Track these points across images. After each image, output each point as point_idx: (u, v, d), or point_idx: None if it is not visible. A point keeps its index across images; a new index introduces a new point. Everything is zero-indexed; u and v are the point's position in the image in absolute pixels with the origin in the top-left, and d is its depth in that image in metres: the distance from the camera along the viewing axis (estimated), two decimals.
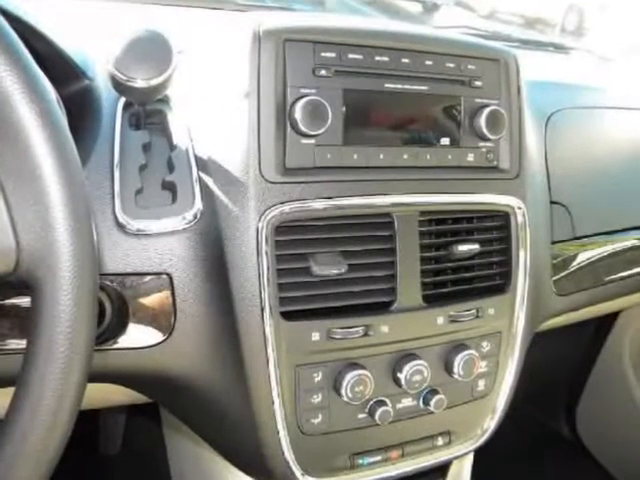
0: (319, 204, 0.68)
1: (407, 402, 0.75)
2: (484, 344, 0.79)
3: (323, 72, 0.67)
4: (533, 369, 0.93)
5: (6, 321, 0.61)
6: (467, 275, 0.79)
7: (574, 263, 0.96)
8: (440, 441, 0.79)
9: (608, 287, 1.02)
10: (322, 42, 0.67)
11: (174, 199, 0.67)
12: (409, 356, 0.73)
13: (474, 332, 0.78)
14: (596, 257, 1.00)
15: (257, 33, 0.65)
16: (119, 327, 0.66)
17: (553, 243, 0.91)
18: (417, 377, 0.73)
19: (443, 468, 0.91)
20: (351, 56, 0.68)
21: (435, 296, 0.76)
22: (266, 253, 0.65)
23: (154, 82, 0.61)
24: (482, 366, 0.79)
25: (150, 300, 0.66)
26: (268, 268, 0.65)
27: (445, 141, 0.74)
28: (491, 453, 0.91)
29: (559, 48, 1.51)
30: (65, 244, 0.43)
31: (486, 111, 0.74)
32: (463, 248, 0.76)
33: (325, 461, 0.73)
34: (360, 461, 0.75)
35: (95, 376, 0.53)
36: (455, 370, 0.76)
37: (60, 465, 0.47)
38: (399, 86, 0.71)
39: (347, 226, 0.70)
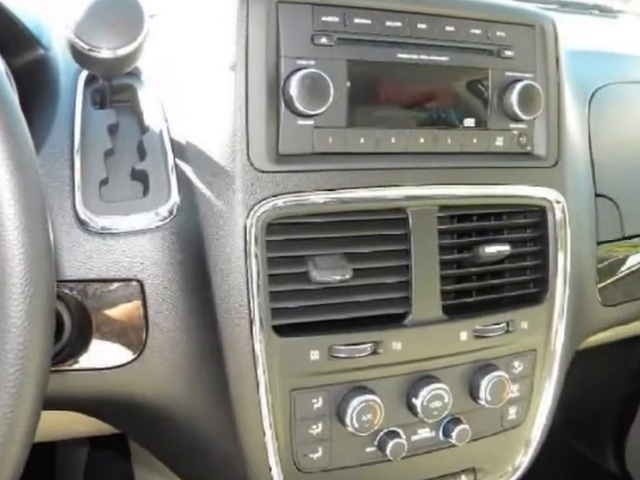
0: (319, 197, 0.68)
1: (424, 433, 0.75)
2: (516, 364, 0.79)
3: (324, 40, 0.67)
4: (574, 394, 0.93)
5: None
6: (495, 282, 0.79)
7: (623, 267, 0.96)
8: None
9: None
10: (323, 4, 0.67)
11: (146, 191, 0.67)
12: (426, 378, 0.73)
13: (504, 350, 0.78)
14: None
15: None
16: (80, 344, 0.66)
17: (598, 244, 0.91)
18: (436, 403, 0.73)
19: None
20: (357, 21, 0.68)
21: (457, 307, 0.76)
22: (255, 255, 0.65)
23: (122, 52, 0.60)
24: (513, 390, 0.79)
25: (117, 312, 0.66)
26: (258, 273, 0.65)
27: (469, 122, 0.74)
28: None
29: (605, 11, 1.51)
30: (16, 245, 0.43)
31: (518, 86, 0.74)
32: (491, 250, 0.76)
33: None
34: None
35: (52, 402, 0.53)
36: (481, 395, 0.76)
37: None
38: (414, 57, 0.71)
39: (352, 224, 0.70)
